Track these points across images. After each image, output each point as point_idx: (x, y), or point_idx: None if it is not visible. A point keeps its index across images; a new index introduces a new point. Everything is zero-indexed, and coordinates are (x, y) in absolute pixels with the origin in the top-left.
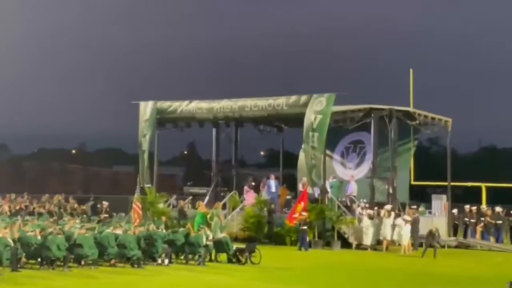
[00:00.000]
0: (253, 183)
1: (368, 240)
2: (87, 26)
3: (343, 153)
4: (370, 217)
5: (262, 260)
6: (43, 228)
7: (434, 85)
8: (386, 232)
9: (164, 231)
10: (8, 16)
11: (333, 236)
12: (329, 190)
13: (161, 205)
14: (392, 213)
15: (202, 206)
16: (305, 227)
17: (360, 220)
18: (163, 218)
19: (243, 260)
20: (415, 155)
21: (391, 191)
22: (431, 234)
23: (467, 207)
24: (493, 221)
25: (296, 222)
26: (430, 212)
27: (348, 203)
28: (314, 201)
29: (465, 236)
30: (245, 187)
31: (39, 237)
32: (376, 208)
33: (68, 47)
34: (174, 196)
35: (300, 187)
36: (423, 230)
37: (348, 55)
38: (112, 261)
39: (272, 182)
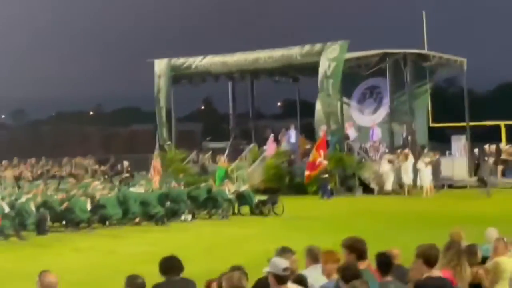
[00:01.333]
0: (272, 135)
1: (389, 184)
2: None
3: (360, 99)
4: (390, 161)
5: (284, 211)
6: (66, 191)
7: (447, 25)
8: (407, 176)
9: (187, 187)
10: None
11: (354, 182)
12: (351, 137)
13: (181, 163)
14: (411, 157)
15: (222, 161)
16: (325, 176)
17: (380, 165)
18: (181, 175)
19: (266, 212)
20: (432, 97)
21: (409, 134)
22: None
23: (486, 146)
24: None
25: (316, 172)
26: (450, 154)
27: (369, 149)
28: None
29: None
30: (269, 138)
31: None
32: (396, 152)
33: (81, 10)
34: (194, 152)
35: (320, 134)
36: (444, 172)
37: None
38: (136, 220)
39: (292, 133)
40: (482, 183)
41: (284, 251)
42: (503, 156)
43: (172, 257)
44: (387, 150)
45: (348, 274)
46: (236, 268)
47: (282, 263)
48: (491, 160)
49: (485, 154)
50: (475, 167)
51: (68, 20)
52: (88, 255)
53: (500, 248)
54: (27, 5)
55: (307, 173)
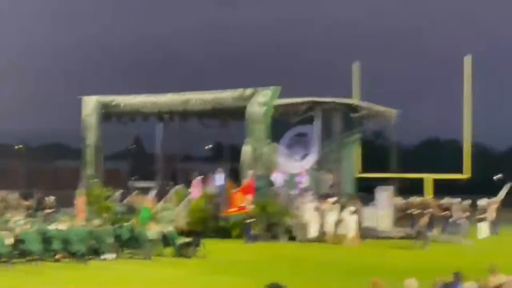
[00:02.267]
0: (198, 177)
1: (313, 232)
2: (28, 24)
3: (288, 146)
4: (316, 209)
5: (208, 254)
6: None
7: (377, 78)
8: (331, 225)
9: (110, 226)
10: None
11: (279, 229)
12: (277, 184)
13: (106, 201)
14: (337, 206)
15: (147, 201)
16: (249, 220)
17: (304, 213)
18: (105, 215)
19: (189, 254)
20: (361, 148)
21: (336, 183)
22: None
23: (411, 198)
24: (438, 213)
25: (237, 212)
26: (374, 204)
27: (295, 196)
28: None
29: (412, 227)
30: (193, 181)
31: None
32: (321, 200)
33: (10, 42)
34: (120, 191)
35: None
36: (369, 222)
37: (292, 49)
38: (57, 256)
39: (219, 176)
40: (419, 235)
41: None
42: (433, 211)
43: None
44: (313, 198)
45: None
46: None
47: None
48: (424, 212)
49: (409, 206)
50: (400, 219)
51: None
52: None
53: None
54: None
55: (227, 209)
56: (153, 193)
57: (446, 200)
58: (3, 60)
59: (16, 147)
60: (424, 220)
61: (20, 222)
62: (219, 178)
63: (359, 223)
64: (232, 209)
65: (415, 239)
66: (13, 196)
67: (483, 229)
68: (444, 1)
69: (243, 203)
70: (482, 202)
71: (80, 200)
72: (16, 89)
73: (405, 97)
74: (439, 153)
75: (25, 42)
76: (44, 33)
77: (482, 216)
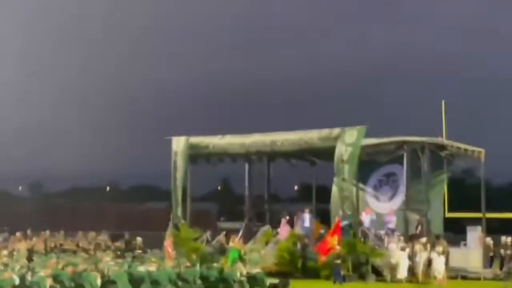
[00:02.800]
0: (287, 217)
1: (402, 272)
2: (118, 61)
3: (376, 186)
4: (403, 249)
5: None
6: (75, 265)
7: (467, 115)
8: (421, 265)
9: (198, 267)
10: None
11: (367, 269)
12: (365, 224)
13: (194, 242)
14: (428, 246)
15: (235, 242)
16: (338, 261)
17: (393, 253)
18: (193, 256)
19: None
20: (449, 187)
21: (424, 223)
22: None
23: (503, 238)
24: None
25: (328, 254)
26: (465, 245)
27: (383, 236)
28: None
29: (501, 267)
30: (282, 220)
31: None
32: (409, 241)
33: (98, 85)
34: (208, 232)
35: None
36: (459, 263)
37: (380, 87)
38: None
39: (307, 216)
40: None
41: None
42: None
43: None
44: (401, 238)
45: None
46: None
47: None
48: (508, 253)
49: (500, 247)
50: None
51: (85, 96)
52: None
53: None
54: (43, 81)
55: (321, 257)
56: (241, 234)
57: None
58: (92, 103)
59: (106, 188)
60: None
61: (110, 263)
62: (307, 218)
63: (447, 263)
64: (324, 255)
65: (504, 279)
66: (102, 237)
67: None
68: None
69: (331, 244)
70: None
71: (168, 242)
72: (104, 128)
73: (494, 134)
74: None
75: (109, 78)
76: (132, 70)
77: None
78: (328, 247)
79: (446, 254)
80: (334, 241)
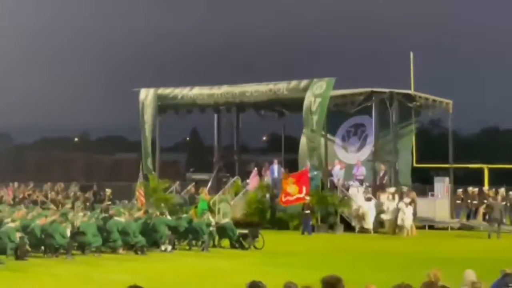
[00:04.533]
0: (255, 168)
1: (369, 223)
2: (86, 15)
3: (344, 137)
4: (369, 199)
5: (265, 245)
6: (46, 216)
7: (434, 66)
8: (389, 215)
9: (168, 217)
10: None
11: (336, 220)
12: (336, 174)
13: (163, 192)
14: (396, 196)
15: (204, 193)
16: (307, 212)
17: (361, 203)
18: (162, 205)
19: (246, 246)
20: (417, 138)
21: (392, 174)
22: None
23: (469, 189)
24: (493, 202)
25: (295, 203)
26: (432, 195)
27: (350, 187)
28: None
29: (468, 218)
30: (252, 172)
31: (42, 225)
32: (377, 191)
33: (68, 36)
34: (177, 182)
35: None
36: (425, 213)
37: (348, 39)
38: (117, 249)
39: (275, 167)
40: (495, 223)
41: (254, 286)
42: (491, 201)
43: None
44: (369, 189)
45: None
46: None
47: None
48: (474, 203)
49: (467, 197)
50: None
51: (56, 45)
52: (65, 282)
53: None
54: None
55: (283, 199)
56: (210, 184)
57: (503, 190)
58: (62, 54)
59: (75, 139)
60: (497, 208)
61: (79, 214)
62: (275, 169)
63: (415, 213)
64: (287, 198)
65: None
66: (72, 189)
67: None
68: None
69: (300, 193)
70: None
71: (139, 192)
72: (73, 81)
73: (463, 86)
74: (497, 142)
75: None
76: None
77: None
78: (294, 197)
79: (414, 204)
80: (295, 190)
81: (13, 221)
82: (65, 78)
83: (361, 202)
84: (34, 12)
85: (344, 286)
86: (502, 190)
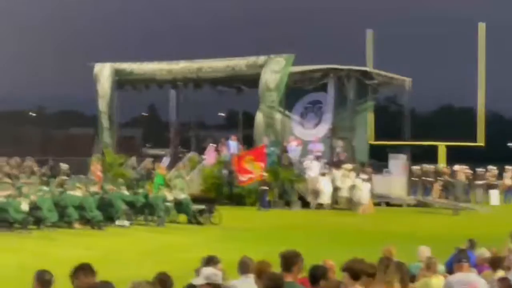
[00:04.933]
0: (212, 144)
1: (325, 198)
2: None
3: (302, 113)
4: (322, 174)
5: (222, 221)
6: (1, 191)
7: (392, 45)
8: (344, 192)
9: (125, 192)
10: None
11: (292, 196)
12: (293, 151)
13: (120, 167)
14: (352, 173)
15: (161, 168)
16: (264, 187)
17: (317, 180)
18: (120, 180)
19: (203, 221)
20: (374, 115)
21: (350, 150)
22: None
23: (425, 166)
24: (450, 180)
25: (252, 181)
26: (387, 172)
27: (306, 163)
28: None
29: (424, 194)
30: (208, 147)
31: None
32: (333, 167)
33: (21, 8)
34: (134, 158)
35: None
36: (381, 189)
37: (306, 15)
38: (73, 224)
39: (233, 143)
40: (456, 200)
41: (210, 261)
42: (446, 178)
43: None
44: (326, 165)
45: (271, 285)
46: (162, 275)
47: (216, 273)
48: (429, 180)
49: (423, 174)
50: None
51: (11, 16)
52: (19, 256)
53: (430, 267)
54: None
55: (242, 178)
56: (166, 160)
57: (458, 167)
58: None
59: (30, 113)
60: (459, 185)
61: (35, 189)
62: (233, 145)
63: (371, 190)
64: (247, 177)
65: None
66: (27, 163)
67: (495, 197)
68: None
69: (257, 170)
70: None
71: (95, 167)
72: (29, 53)
73: (419, 64)
74: (453, 120)
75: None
76: None
77: (494, 183)
78: (250, 171)
79: (370, 180)
80: (258, 167)
81: None
82: (21, 49)
83: (316, 176)
84: None
85: (303, 260)
86: (461, 167)
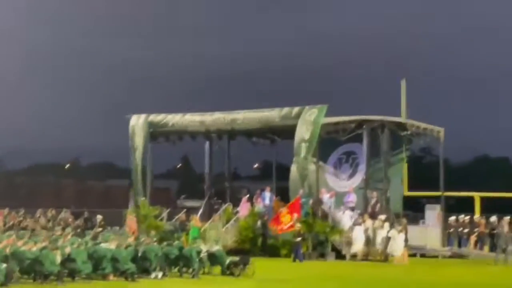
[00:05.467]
0: (247, 195)
1: (357, 247)
2: (79, 40)
3: (336, 164)
4: (358, 224)
5: (256, 273)
6: (36, 243)
7: (426, 95)
8: (379, 243)
9: (155, 244)
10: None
11: (326, 247)
12: (326, 202)
13: (154, 219)
14: (386, 224)
15: (196, 220)
16: (298, 239)
17: (351, 230)
18: (152, 232)
19: (237, 273)
20: (408, 165)
21: (383, 202)
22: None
23: (460, 217)
24: (486, 231)
25: (287, 231)
26: (423, 222)
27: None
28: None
29: (459, 246)
30: (243, 198)
31: (32, 251)
32: (368, 218)
33: (60, 62)
34: (168, 210)
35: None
36: (416, 241)
37: (340, 67)
38: (108, 276)
39: (267, 194)
40: (502, 251)
41: None
42: (482, 229)
43: None
44: (359, 216)
45: None
46: None
47: None
48: (505, 228)
49: (458, 225)
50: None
51: (44, 70)
52: None
53: None
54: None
55: (274, 227)
56: (201, 212)
57: (494, 219)
58: (51, 79)
59: (66, 165)
60: (503, 235)
61: (70, 241)
62: (267, 197)
63: (406, 241)
64: (281, 227)
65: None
66: (62, 215)
67: None
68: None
69: (291, 221)
70: None
71: (130, 219)
72: (66, 106)
73: (454, 115)
74: (488, 170)
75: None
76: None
77: None
78: (287, 225)
79: (405, 232)
80: (292, 218)
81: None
82: (56, 104)
83: (352, 229)
84: (27, 38)
85: None
86: (498, 219)
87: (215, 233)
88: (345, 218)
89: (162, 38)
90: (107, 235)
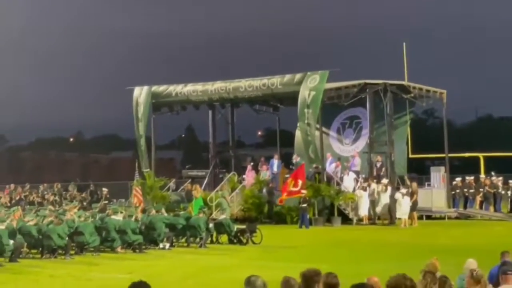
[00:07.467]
0: (251, 163)
1: (362, 211)
2: (79, 12)
3: (339, 129)
4: (363, 189)
5: (263, 240)
6: (44, 217)
7: (427, 56)
8: (384, 207)
9: (165, 214)
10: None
11: (333, 212)
12: (327, 166)
13: (160, 190)
14: (389, 187)
15: (197, 190)
16: (304, 205)
17: (357, 196)
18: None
19: (245, 241)
20: (412, 128)
21: (388, 165)
22: None
23: (466, 178)
24: (491, 191)
25: (292, 196)
26: (429, 184)
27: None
28: (312, 178)
29: (464, 206)
30: (248, 167)
31: (40, 226)
32: (372, 182)
33: (61, 35)
34: (173, 180)
35: (294, 161)
36: (422, 203)
37: (340, 31)
38: (116, 249)
39: (275, 162)
40: None
41: (251, 281)
42: (487, 189)
43: (141, 283)
44: (363, 180)
45: None
46: None
47: None
48: (470, 191)
49: (463, 186)
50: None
51: (46, 44)
52: (64, 282)
53: (475, 279)
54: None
55: (282, 196)
56: (206, 181)
57: (498, 178)
58: (54, 53)
59: (70, 139)
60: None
61: (79, 214)
62: (275, 164)
63: (415, 204)
64: (287, 195)
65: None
66: (68, 188)
67: None
68: None
69: (296, 187)
70: None
71: (136, 191)
72: (66, 80)
73: (457, 74)
74: (492, 130)
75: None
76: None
77: None
78: (291, 189)
79: (416, 194)
80: (297, 185)
81: (1, 221)
82: (57, 77)
83: (357, 193)
84: (24, 11)
85: (326, 277)
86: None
87: (221, 202)
88: (349, 180)
89: (158, 9)
90: (114, 207)
